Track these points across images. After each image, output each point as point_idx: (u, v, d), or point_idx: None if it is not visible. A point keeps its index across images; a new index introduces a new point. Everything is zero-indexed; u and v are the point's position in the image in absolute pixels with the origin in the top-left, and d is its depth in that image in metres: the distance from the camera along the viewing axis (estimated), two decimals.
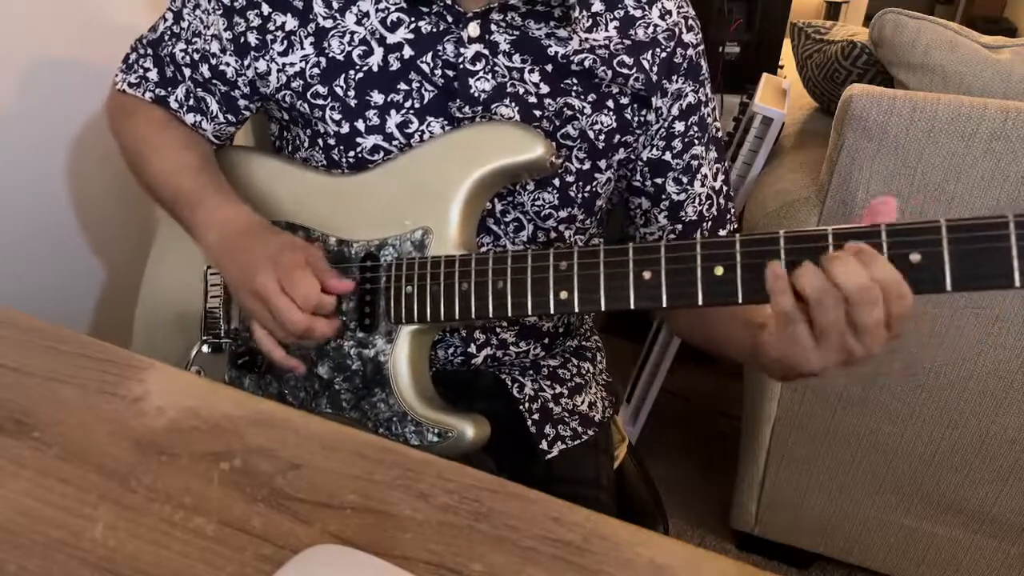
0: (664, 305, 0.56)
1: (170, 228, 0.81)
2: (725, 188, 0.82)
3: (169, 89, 0.79)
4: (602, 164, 0.76)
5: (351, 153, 0.73)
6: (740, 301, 0.54)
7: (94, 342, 0.61)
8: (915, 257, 0.48)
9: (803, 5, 2.87)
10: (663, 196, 0.79)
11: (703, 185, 0.79)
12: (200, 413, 0.54)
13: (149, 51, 0.80)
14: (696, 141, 0.78)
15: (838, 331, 0.51)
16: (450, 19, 0.70)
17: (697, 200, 0.79)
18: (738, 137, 1.44)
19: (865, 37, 1.24)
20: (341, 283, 0.67)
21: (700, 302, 0.54)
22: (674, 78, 0.75)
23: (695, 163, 0.78)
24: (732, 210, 0.83)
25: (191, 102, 0.79)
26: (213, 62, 0.76)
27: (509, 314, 0.62)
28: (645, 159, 0.78)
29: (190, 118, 0.79)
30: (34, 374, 0.58)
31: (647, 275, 0.56)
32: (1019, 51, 1.04)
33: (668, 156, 0.77)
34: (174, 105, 0.79)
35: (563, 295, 0.59)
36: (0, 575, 0.42)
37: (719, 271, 0.54)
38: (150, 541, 0.44)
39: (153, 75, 0.80)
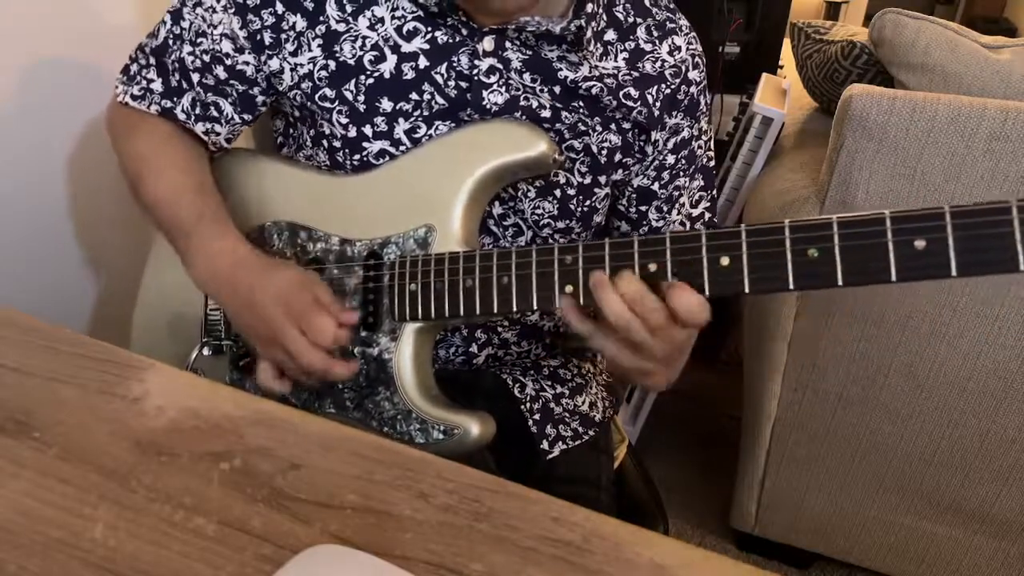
0: None
1: None
2: (707, 215, 0.83)
3: (175, 99, 0.77)
4: (602, 180, 0.76)
5: (356, 156, 0.73)
6: (747, 291, 0.54)
7: (94, 342, 0.61)
8: (920, 244, 0.48)
9: (803, 5, 2.87)
10: (644, 222, 0.81)
11: (679, 213, 0.81)
12: (200, 413, 0.54)
13: (152, 60, 0.77)
14: (682, 173, 0.80)
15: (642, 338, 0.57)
16: (465, 32, 0.70)
17: (672, 228, 0.81)
18: (738, 137, 1.44)
19: (865, 37, 1.23)
20: (347, 315, 0.67)
21: (707, 293, 0.54)
22: (674, 113, 0.76)
23: (676, 193, 0.80)
24: None
25: (198, 110, 0.77)
26: (228, 62, 0.75)
27: (514, 309, 0.62)
28: (635, 186, 0.79)
29: (200, 127, 0.77)
30: (34, 374, 0.58)
31: (652, 267, 0.56)
32: (1019, 51, 1.04)
33: (656, 186, 0.79)
34: (181, 116, 0.77)
35: (568, 289, 0.59)
36: (0, 575, 0.42)
37: (725, 261, 0.54)
38: (150, 541, 0.44)
39: (157, 86, 0.77)
